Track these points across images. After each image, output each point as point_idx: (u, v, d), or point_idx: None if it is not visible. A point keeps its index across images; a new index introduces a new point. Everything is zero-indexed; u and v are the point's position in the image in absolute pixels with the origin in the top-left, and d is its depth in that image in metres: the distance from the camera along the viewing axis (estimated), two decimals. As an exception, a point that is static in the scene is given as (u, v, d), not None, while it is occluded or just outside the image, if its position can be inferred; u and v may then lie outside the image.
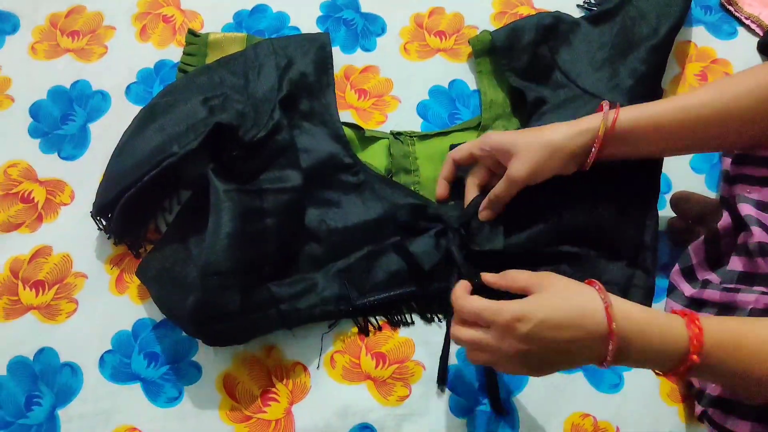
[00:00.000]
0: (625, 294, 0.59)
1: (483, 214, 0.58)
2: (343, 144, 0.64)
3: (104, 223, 0.62)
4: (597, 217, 0.59)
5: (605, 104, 0.55)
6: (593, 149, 0.54)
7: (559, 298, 0.46)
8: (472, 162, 0.61)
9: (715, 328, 0.44)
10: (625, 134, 0.53)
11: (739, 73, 0.53)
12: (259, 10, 0.76)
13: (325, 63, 0.68)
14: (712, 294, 0.55)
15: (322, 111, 0.66)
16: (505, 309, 0.46)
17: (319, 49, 0.68)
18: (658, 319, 0.45)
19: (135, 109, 0.66)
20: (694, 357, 0.44)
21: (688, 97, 0.53)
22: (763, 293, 0.52)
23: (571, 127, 0.54)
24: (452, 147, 0.65)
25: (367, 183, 0.63)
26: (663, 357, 0.45)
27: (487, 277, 0.52)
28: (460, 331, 0.49)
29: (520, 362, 0.47)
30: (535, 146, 0.54)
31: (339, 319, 0.60)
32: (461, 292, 0.50)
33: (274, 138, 0.62)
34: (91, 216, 0.62)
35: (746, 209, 0.55)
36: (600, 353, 0.45)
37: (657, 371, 0.48)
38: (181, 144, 0.59)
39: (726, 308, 0.54)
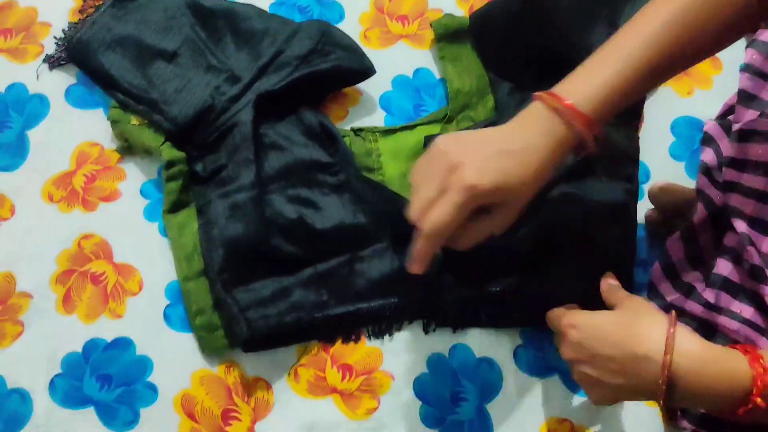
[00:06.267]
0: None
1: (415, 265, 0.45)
2: (321, 141, 0.60)
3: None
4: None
5: (539, 99, 0.44)
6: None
7: (621, 316, 0.45)
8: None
9: None
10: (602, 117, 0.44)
11: None
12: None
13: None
14: (694, 306, 0.52)
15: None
16: (564, 315, 0.48)
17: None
18: (717, 356, 0.42)
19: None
20: (758, 400, 0.40)
21: (640, 28, 0.44)
22: (744, 321, 0.48)
23: (529, 137, 0.43)
24: (427, 139, 0.61)
25: (348, 184, 0.59)
26: (721, 398, 0.41)
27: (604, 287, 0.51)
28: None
29: (577, 375, 0.47)
30: (524, 183, 0.43)
31: (313, 327, 0.56)
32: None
33: (230, 135, 0.59)
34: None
35: (741, 226, 0.49)
36: (654, 387, 0.42)
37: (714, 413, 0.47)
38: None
39: (706, 326, 0.51)
